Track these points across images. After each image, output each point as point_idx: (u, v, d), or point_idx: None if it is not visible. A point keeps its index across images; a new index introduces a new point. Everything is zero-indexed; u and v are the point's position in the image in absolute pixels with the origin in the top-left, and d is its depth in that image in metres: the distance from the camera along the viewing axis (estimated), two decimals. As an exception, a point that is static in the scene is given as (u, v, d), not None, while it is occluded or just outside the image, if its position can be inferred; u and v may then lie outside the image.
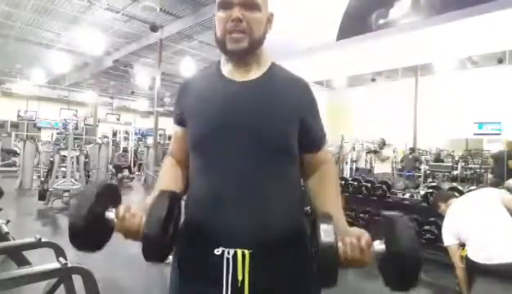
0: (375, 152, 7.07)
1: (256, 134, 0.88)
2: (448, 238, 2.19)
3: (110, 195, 0.85)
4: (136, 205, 0.85)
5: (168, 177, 0.99)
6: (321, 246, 0.73)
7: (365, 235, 0.82)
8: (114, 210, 0.82)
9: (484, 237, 1.95)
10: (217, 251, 0.85)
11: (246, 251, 0.84)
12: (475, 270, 1.94)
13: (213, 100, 0.92)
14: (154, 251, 0.80)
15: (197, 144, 0.93)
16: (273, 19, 0.97)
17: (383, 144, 7.16)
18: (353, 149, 8.98)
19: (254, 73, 0.94)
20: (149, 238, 0.77)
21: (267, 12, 0.94)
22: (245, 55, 0.92)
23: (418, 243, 0.77)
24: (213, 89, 0.95)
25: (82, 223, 0.75)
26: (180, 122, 1.00)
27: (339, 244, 0.77)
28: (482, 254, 1.90)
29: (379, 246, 0.80)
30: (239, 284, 0.84)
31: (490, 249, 1.89)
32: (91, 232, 0.78)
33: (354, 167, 8.69)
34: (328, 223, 0.77)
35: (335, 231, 0.75)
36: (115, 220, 0.81)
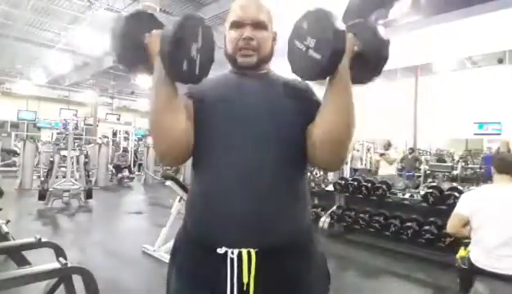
0: (381, 154, 6.86)
1: (266, 123, 0.89)
2: (462, 206, 2.06)
3: (150, 23, 0.87)
4: None
5: None
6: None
7: None
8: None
9: (501, 249, 1.83)
10: (220, 251, 0.81)
11: (252, 251, 0.80)
12: (476, 273, 1.92)
13: (224, 90, 0.97)
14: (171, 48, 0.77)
15: (203, 136, 0.90)
16: (277, 36, 1.04)
17: (388, 145, 7.01)
18: (353, 148, 8.97)
19: (261, 71, 1.01)
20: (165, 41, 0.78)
21: (273, 31, 1.02)
22: (254, 70, 0.98)
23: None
24: (225, 82, 1.01)
25: (118, 43, 0.83)
26: (191, 97, 0.97)
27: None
28: (489, 262, 1.85)
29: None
30: (244, 287, 0.80)
31: (501, 262, 1.81)
32: (130, 51, 0.84)
33: (348, 168, 8.50)
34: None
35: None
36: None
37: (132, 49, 0.85)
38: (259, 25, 0.95)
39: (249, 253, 0.80)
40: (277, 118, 0.90)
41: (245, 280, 0.79)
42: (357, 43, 0.86)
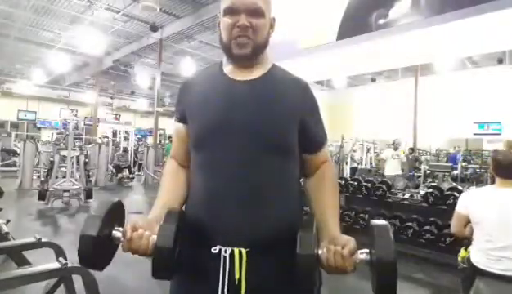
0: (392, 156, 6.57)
1: (256, 132, 0.89)
2: (460, 206, 2.07)
3: (116, 213, 0.87)
4: (140, 220, 0.85)
5: (171, 186, 0.99)
6: (297, 256, 0.77)
7: (350, 244, 0.82)
8: (120, 229, 0.84)
9: (502, 251, 1.82)
10: (215, 250, 0.86)
11: (243, 250, 0.85)
12: (476, 273, 1.92)
13: (214, 99, 0.94)
14: (164, 270, 0.81)
15: (197, 142, 0.94)
16: (275, 23, 0.99)
17: (398, 144, 6.80)
18: (353, 150, 8.96)
19: (257, 73, 0.96)
20: (160, 261, 0.79)
21: (270, 17, 0.96)
22: (250, 60, 0.95)
23: (394, 253, 0.76)
24: (214, 88, 0.96)
25: (90, 247, 0.78)
26: (182, 119, 1.00)
27: (323, 250, 0.80)
28: (489, 263, 1.84)
29: (362, 255, 0.81)
30: (236, 282, 0.85)
31: (501, 263, 1.81)
32: (99, 253, 0.81)
33: (348, 168, 8.38)
34: (307, 233, 0.80)
35: (315, 241, 0.79)
36: (122, 238, 0.82)
37: (102, 248, 0.81)
38: (255, 12, 0.90)
39: (240, 251, 0.85)
40: (271, 121, 0.91)
41: (237, 276, 0.85)
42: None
